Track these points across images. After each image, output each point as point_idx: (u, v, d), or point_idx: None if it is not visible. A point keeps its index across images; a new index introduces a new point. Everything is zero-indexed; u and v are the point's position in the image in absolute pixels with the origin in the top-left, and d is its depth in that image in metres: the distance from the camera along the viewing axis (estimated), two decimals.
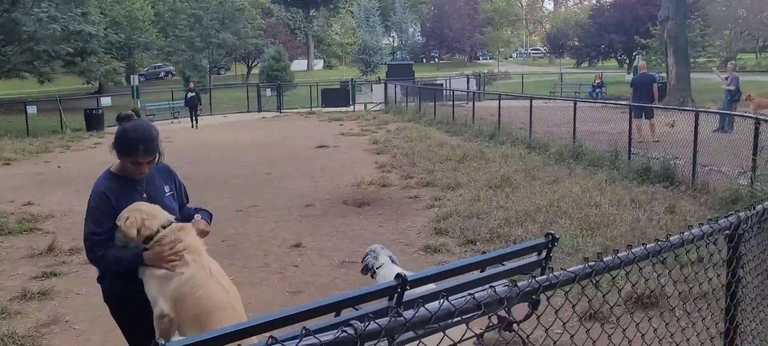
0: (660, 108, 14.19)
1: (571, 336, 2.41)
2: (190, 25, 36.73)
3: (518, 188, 10.11)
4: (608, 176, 10.72)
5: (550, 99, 17.65)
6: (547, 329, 3.95)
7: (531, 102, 15.88)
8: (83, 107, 25.38)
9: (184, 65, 39.12)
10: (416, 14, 75.76)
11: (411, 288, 3.46)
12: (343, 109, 29.64)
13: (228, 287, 2.96)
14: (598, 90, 31.34)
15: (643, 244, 2.57)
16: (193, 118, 25.86)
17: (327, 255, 7.10)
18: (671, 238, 2.63)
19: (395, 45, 74.59)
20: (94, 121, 24.16)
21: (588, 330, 2.47)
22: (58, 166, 15.09)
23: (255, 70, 49.91)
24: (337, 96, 31.64)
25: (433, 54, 77.34)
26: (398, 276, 3.36)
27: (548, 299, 2.35)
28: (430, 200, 9.81)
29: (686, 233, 2.64)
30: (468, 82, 33.69)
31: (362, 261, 4.36)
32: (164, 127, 24.84)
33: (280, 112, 30.60)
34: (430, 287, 3.88)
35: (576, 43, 58.06)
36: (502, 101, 18.65)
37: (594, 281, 2.41)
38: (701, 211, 8.21)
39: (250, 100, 32.16)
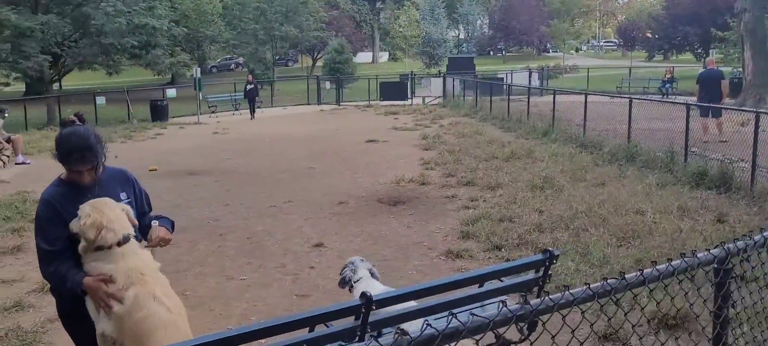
0: (719, 107, 13.28)
1: None
2: (255, 17, 37.35)
3: (561, 191, 9.67)
4: (660, 180, 10.11)
5: (607, 94, 16.89)
6: None
7: (586, 98, 15.24)
8: (150, 98, 26.25)
9: (249, 58, 39.88)
10: (484, 6, 74.58)
11: (378, 308, 3.27)
12: (401, 102, 29.44)
13: (171, 306, 2.84)
14: (668, 85, 29.89)
15: (639, 270, 2.30)
16: (252, 109, 26.32)
17: (346, 257, 6.87)
18: (645, 271, 2.34)
19: (461, 37, 73.78)
20: (159, 112, 24.90)
21: None
22: (116, 157, 15.49)
23: (320, 63, 50.37)
24: (396, 89, 31.46)
25: (499, 47, 76.00)
26: (363, 295, 3.16)
27: (564, 317, 2.14)
28: (467, 200, 9.52)
29: (661, 266, 2.34)
30: (530, 76, 32.83)
31: (340, 273, 4.17)
32: (225, 119, 25.47)
33: (339, 105, 30.70)
34: (411, 304, 3.66)
35: (649, 35, 55.65)
36: (562, 97, 18.03)
37: (613, 298, 2.20)
38: (754, 221, 7.58)
39: (310, 93, 32.42)
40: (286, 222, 8.63)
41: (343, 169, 12.82)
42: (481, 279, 3.90)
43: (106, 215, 2.96)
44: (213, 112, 27.44)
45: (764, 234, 2.49)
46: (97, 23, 22.73)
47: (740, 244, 2.44)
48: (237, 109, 28.17)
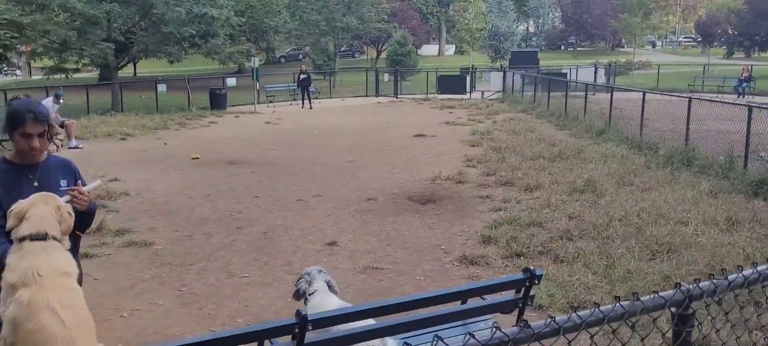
0: None
1: None
2: (317, 8, 37.49)
3: (602, 195, 9.06)
4: (714, 187, 9.35)
5: (667, 93, 15.86)
6: None
7: (643, 96, 14.36)
8: (210, 87, 26.70)
9: (312, 48, 40.14)
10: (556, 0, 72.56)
11: (315, 328, 2.96)
12: (459, 96, 28.86)
13: (68, 319, 2.58)
14: (744, 85, 28.04)
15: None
16: (305, 99, 26.41)
17: (355, 258, 6.66)
18: (603, 308, 1.94)
19: (530, 31, 72.02)
20: (217, 101, 25.29)
21: None
22: (165, 144, 15.81)
23: (384, 55, 50.17)
24: (454, 83, 30.86)
25: (570, 41, 73.74)
26: (297, 314, 2.86)
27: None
28: (500, 201, 9.05)
29: (622, 304, 1.94)
30: (595, 73, 31.52)
31: (296, 285, 3.88)
32: (280, 109, 25.62)
33: (396, 98, 30.40)
34: (369, 322, 3.33)
35: (729, 31, 52.54)
36: (625, 94, 17.12)
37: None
38: None
39: (369, 85, 32.26)
40: (308, 217, 8.42)
41: (383, 164, 12.53)
42: (454, 297, 3.55)
43: (34, 209, 2.80)
44: (270, 101, 27.68)
45: (730, 277, 2.04)
46: (158, 12, 23.23)
47: (705, 285, 2.00)
48: (294, 99, 28.32)
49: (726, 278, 2.07)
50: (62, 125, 14.83)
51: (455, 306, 3.50)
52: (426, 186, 10.34)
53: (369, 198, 9.50)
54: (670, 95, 14.58)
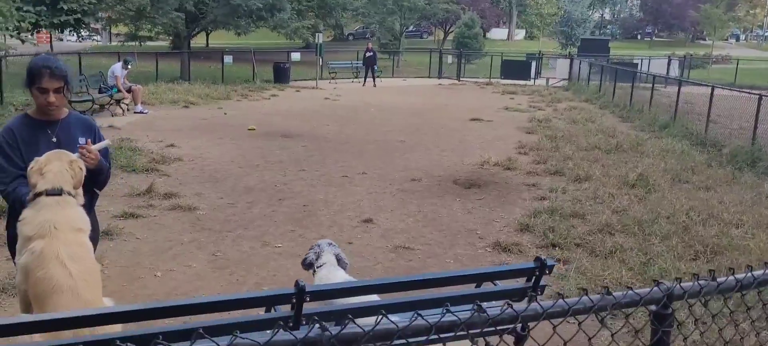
0: None
1: None
2: None
3: (654, 191, 8.76)
4: None
5: (736, 89, 15.07)
6: None
7: (712, 91, 13.71)
8: (275, 60, 27.17)
9: (378, 27, 40.11)
10: None
11: (313, 299, 3.01)
12: (523, 82, 28.33)
13: (75, 271, 2.71)
14: None
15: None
16: (369, 76, 26.52)
17: (388, 237, 6.69)
18: (569, 299, 1.91)
19: (605, 18, 69.76)
20: (281, 74, 25.73)
21: None
22: (225, 113, 16.22)
23: (451, 37, 49.65)
24: (518, 68, 30.30)
25: (648, 31, 70.99)
26: (296, 284, 2.92)
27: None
28: (546, 190, 8.88)
29: (591, 298, 1.90)
30: (669, 64, 30.27)
31: (305, 255, 3.92)
32: (342, 85, 25.84)
33: (458, 80, 30.11)
34: (373, 298, 3.35)
35: None
36: (697, 89, 16.43)
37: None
38: None
39: (432, 66, 32.07)
40: (349, 193, 8.49)
41: (433, 145, 12.47)
42: (464, 280, 3.53)
43: (50, 165, 2.96)
44: (332, 78, 27.92)
45: (719, 279, 1.95)
46: None
47: (687, 285, 1.93)
48: (356, 77, 28.47)
49: (714, 279, 1.99)
50: (129, 90, 15.42)
51: (463, 289, 3.48)
52: (473, 170, 10.24)
53: (413, 178, 9.49)
54: (740, 91, 13.83)
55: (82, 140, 3.27)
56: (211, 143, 11.77)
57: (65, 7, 24.19)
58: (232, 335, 1.30)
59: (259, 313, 3.55)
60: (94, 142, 3.30)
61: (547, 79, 28.84)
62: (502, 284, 3.66)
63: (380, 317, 1.69)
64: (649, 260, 5.83)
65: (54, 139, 3.22)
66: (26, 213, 2.85)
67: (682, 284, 1.92)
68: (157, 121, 14.33)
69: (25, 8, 19.86)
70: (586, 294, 1.90)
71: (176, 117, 15.18)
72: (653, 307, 1.93)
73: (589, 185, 9.08)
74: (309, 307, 2.97)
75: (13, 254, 3.32)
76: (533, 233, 6.86)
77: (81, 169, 3.08)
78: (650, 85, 18.80)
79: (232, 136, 12.63)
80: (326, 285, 3.28)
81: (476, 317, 1.82)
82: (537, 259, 3.44)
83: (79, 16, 25.30)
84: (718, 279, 1.99)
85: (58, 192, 2.90)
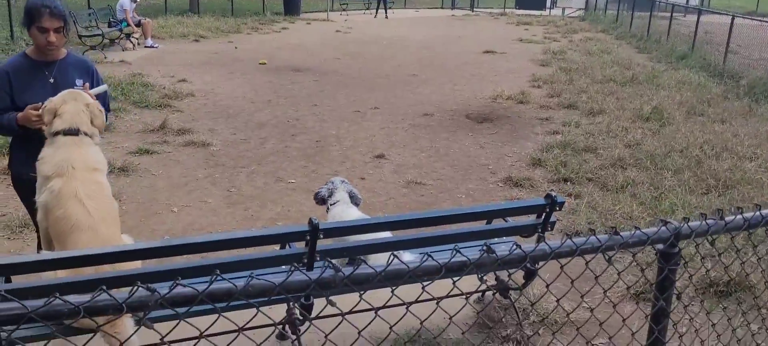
0: None
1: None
2: None
3: (667, 124, 8.69)
4: None
5: (757, 18, 14.67)
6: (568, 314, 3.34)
7: (732, 20, 13.39)
8: None
9: None
10: None
11: (327, 237, 3.06)
12: (538, 13, 27.76)
13: (93, 209, 2.76)
14: None
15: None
16: (380, 8, 26.06)
17: (400, 172, 6.73)
18: (576, 239, 1.93)
19: None
20: (291, 6, 25.31)
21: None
22: (235, 47, 16.09)
23: None
24: None
25: None
26: (309, 222, 2.97)
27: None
28: (559, 124, 8.84)
29: (599, 238, 1.92)
30: None
31: (318, 190, 3.97)
32: (353, 17, 25.44)
33: (472, 11, 29.56)
34: (386, 235, 3.40)
35: None
36: (718, 18, 16.06)
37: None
38: None
39: None
40: (362, 129, 8.50)
41: (446, 79, 12.36)
42: (474, 217, 3.57)
43: (66, 106, 2.99)
44: (344, 9, 27.49)
45: (727, 218, 1.96)
46: None
47: (695, 225, 1.95)
48: (368, 8, 28.00)
49: (721, 218, 2.00)
50: (139, 24, 15.29)
51: (474, 226, 3.53)
52: (485, 104, 10.18)
53: (425, 113, 9.47)
54: (761, 20, 13.50)
55: (79, 82, 3.30)
56: (222, 78, 11.74)
57: None
58: (248, 275, 1.34)
59: (274, 249, 3.64)
60: (91, 85, 3.32)
61: (563, 10, 28.24)
62: (513, 220, 3.70)
63: (391, 257, 1.72)
64: (661, 195, 5.85)
65: (51, 80, 3.25)
66: (44, 152, 2.91)
67: (689, 223, 1.94)
68: (167, 55, 14.26)
69: None
70: (594, 234, 1.92)
71: (187, 51, 15.09)
72: (660, 246, 1.95)
73: (603, 119, 9.03)
74: (323, 243, 3.04)
75: (19, 192, 3.43)
76: (545, 167, 6.87)
77: (101, 111, 3.11)
78: (669, 14, 18.38)
79: (243, 71, 12.57)
80: (339, 222, 3.34)
81: (485, 257, 1.86)
82: (547, 196, 3.47)
83: None
84: (727, 218, 2.00)
85: (74, 132, 2.93)
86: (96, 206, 2.77)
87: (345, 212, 3.66)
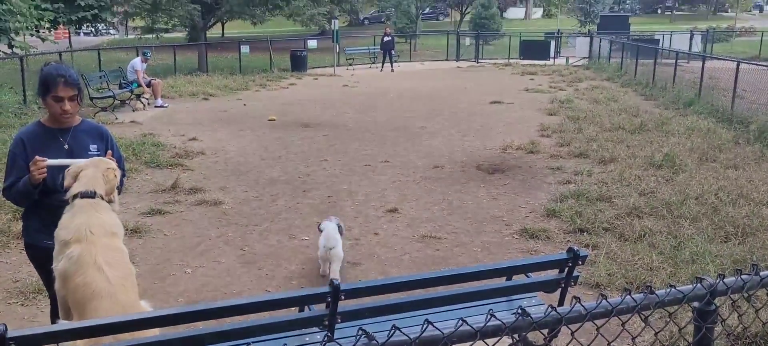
0: None
1: None
2: None
3: (680, 171, 8.64)
4: None
5: (763, 64, 14.72)
6: None
7: (737, 66, 13.46)
8: (291, 48, 27.13)
9: (394, 10, 39.87)
10: None
11: (348, 298, 3.00)
12: (542, 62, 28.03)
13: (112, 276, 2.73)
14: None
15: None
16: (386, 61, 26.39)
17: (414, 226, 6.68)
18: (612, 300, 1.87)
19: None
20: (298, 62, 25.69)
21: None
22: (244, 105, 16.26)
23: (468, 18, 49.21)
24: (537, 48, 29.97)
25: (668, 5, 69.75)
26: (331, 283, 2.92)
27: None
28: (571, 174, 8.80)
29: (634, 297, 1.86)
30: (691, 39, 29.73)
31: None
32: (360, 72, 25.75)
33: (477, 62, 29.88)
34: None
35: None
36: (723, 64, 16.14)
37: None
38: None
39: (450, 49, 31.84)
40: (373, 183, 8.48)
41: (455, 130, 12.41)
42: (497, 274, 3.50)
43: (86, 171, 3.01)
44: (350, 64, 27.85)
45: (762, 273, 1.90)
46: None
47: (730, 280, 1.89)
48: (374, 62, 28.37)
49: (757, 273, 1.94)
50: (149, 84, 15.51)
51: (496, 282, 3.46)
52: (496, 155, 10.18)
53: (436, 165, 9.46)
54: (766, 66, 13.56)
55: (93, 148, 3.32)
56: (232, 135, 11.82)
57: (82, 3, 24.36)
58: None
59: (292, 312, 3.57)
60: (105, 149, 3.36)
61: (567, 58, 28.51)
62: (535, 276, 3.63)
63: (425, 325, 1.68)
64: (680, 244, 5.76)
65: (65, 147, 3.26)
66: (63, 218, 2.89)
67: (725, 280, 1.88)
68: (177, 114, 14.41)
69: (43, 6, 20.02)
70: (629, 294, 1.86)
71: (196, 110, 15.25)
72: (696, 303, 1.89)
73: (615, 167, 8.98)
74: (344, 305, 2.97)
75: (33, 261, 3.40)
76: (560, 218, 6.81)
77: (115, 176, 3.11)
78: (673, 61, 18.50)
79: (253, 128, 12.66)
80: (361, 283, 3.26)
81: (520, 321, 1.80)
82: (569, 249, 3.40)
83: (96, 11, 25.48)
84: (761, 273, 1.94)
85: (91, 194, 2.92)
86: (115, 272, 2.74)
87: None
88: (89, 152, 3.27)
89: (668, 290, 1.89)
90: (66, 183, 3.00)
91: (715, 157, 9.56)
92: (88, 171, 3.01)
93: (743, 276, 1.97)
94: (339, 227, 5.38)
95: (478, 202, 7.60)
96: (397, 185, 8.40)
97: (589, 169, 8.90)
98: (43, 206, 3.20)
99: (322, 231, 5.34)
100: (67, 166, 3.08)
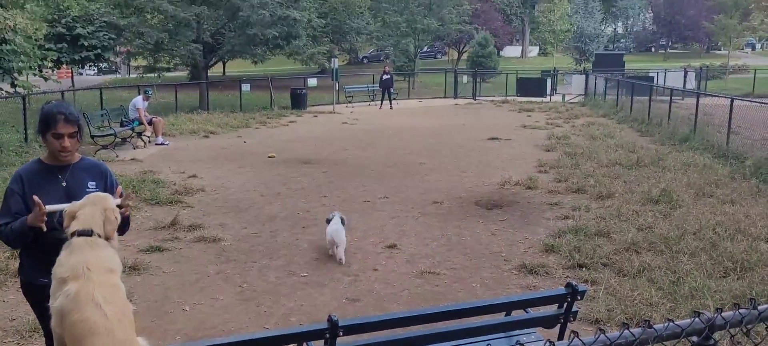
0: None
1: None
2: (399, 10, 37.70)
3: (677, 206, 8.68)
4: None
5: (756, 100, 14.90)
6: None
7: (731, 103, 13.61)
8: (292, 87, 27.39)
9: (393, 49, 40.34)
10: (646, 0, 69.60)
11: (346, 334, 3.02)
12: (539, 99, 28.29)
13: (110, 312, 2.73)
14: None
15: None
16: (385, 99, 26.61)
17: (414, 262, 6.69)
18: (610, 334, 1.90)
19: (619, 32, 69.60)
20: (298, 100, 25.89)
21: None
22: (244, 142, 16.36)
23: (465, 56, 49.79)
24: (534, 86, 30.26)
25: (662, 43, 70.65)
26: (329, 320, 2.94)
27: None
28: (569, 209, 8.84)
29: (632, 331, 1.88)
30: (685, 77, 30.05)
31: None
32: (359, 109, 25.94)
33: (475, 100, 30.14)
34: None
35: None
36: (717, 100, 16.32)
37: None
38: None
39: (448, 86, 32.12)
40: (372, 219, 8.52)
41: (453, 167, 12.48)
42: (496, 309, 3.52)
43: (84, 209, 3.02)
44: (349, 102, 28.08)
45: (761, 307, 1.93)
46: (244, 15, 24.05)
47: (728, 315, 1.91)
48: (373, 100, 28.62)
49: (755, 308, 1.97)
50: (150, 122, 15.62)
51: (496, 318, 3.48)
52: (494, 191, 10.23)
53: (435, 201, 9.50)
54: (761, 102, 13.71)
55: (91, 185, 3.34)
56: (232, 172, 11.88)
57: (86, 44, 24.66)
58: None
59: None
60: (105, 186, 3.38)
61: (563, 96, 28.78)
62: (534, 311, 3.65)
63: None
64: (678, 279, 5.78)
65: (64, 184, 3.28)
66: (61, 256, 2.90)
67: (723, 314, 1.90)
68: (178, 152, 14.49)
69: (47, 46, 20.29)
70: (628, 328, 1.89)
71: (197, 147, 15.34)
72: (695, 338, 1.91)
73: (612, 203, 9.03)
74: (342, 341, 2.99)
75: (29, 299, 3.42)
76: (559, 253, 6.83)
77: (116, 217, 3.11)
78: (668, 98, 18.69)
79: (253, 164, 12.73)
80: (360, 319, 3.28)
81: None
82: (568, 285, 3.43)
83: (99, 51, 25.78)
84: (760, 307, 1.96)
85: (88, 233, 2.94)
86: (113, 309, 2.74)
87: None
88: (87, 189, 3.28)
89: (666, 324, 1.91)
90: (65, 223, 3.01)
91: (712, 192, 9.61)
92: (86, 210, 3.02)
93: (741, 310, 2.00)
94: (342, 219, 6.88)
95: (477, 237, 7.63)
96: (396, 220, 8.43)
97: (587, 205, 8.95)
98: (39, 244, 3.19)
99: (329, 222, 6.87)
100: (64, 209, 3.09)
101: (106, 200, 3.15)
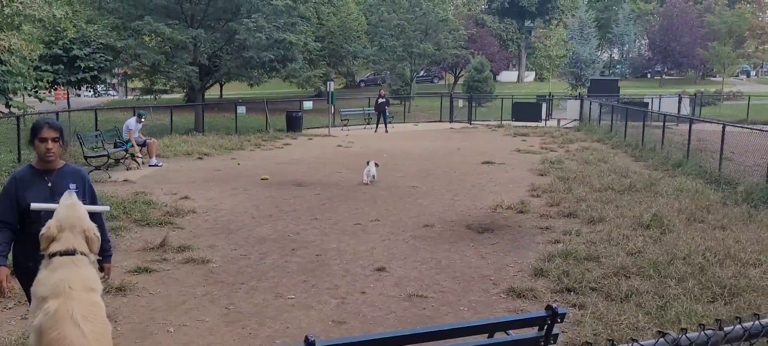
0: None
1: None
2: (395, 34, 38.00)
3: (668, 232, 8.68)
4: None
5: (747, 126, 15.00)
6: None
7: (723, 129, 13.68)
8: (287, 109, 27.48)
9: (389, 73, 40.59)
10: (642, 26, 70.23)
11: None
12: (534, 124, 28.41)
13: (88, 331, 2.73)
14: None
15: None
16: (380, 122, 26.69)
17: (402, 285, 6.66)
18: None
19: (614, 58, 70.09)
20: (293, 123, 25.95)
21: None
22: (238, 164, 16.37)
23: (461, 80, 50.07)
24: (529, 110, 30.41)
25: (657, 69, 71.15)
26: (306, 340, 2.92)
27: None
28: (560, 233, 8.83)
29: None
30: (680, 103, 30.24)
31: None
32: (355, 132, 26.02)
33: (470, 124, 30.26)
34: None
35: None
36: (710, 126, 16.41)
37: None
38: None
39: (444, 110, 32.27)
40: (362, 241, 8.49)
41: (446, 190, 12.49)
42: (477, 331, 3.50)
43: (65, 233, 3.03)
44: (345, 125, 28.16)
45: (727, 328, 1.93)
46: (241, 38, 24.21)
47: (693, 336, 1.91)
48: (368, 123, 28.71)
49: (721, 328, 1.96)
50: (144, 144, 15.63)
51: (479, 339, 3.45)
52: (486, 215, 10.22)
53: (426, 225, 9.49)
54: (751, 128, 13.78)
55: (72, 186, 3.73)
56: (224, 194, 11.87)
57: (82, 65, 24.76)
58: None
59: None
60: (83, 190, 3.76)
61: (558, 120, 28.91)
62: (515, 333, 3.63)
63: None
64: (666, 304, 5.76)
65: (49, 185, 3.74)
66: (40, 275, 2.90)
67: (688, 335, 1.90)
68: (171, 173, 14.48)
69: (43, 67, 20.36)
70: None
71: (190, 169, 15.34)
72: None
73: (603, 227, 9.02)
74: None
75: (20, 281, 3.77)
76: (548, 277, 6.81)
77: (96, 237, 3.16)
78: (661, 123, 18.79)
79: (246, 187, 12.72)
80: (340, 339, 3.26)
81: None
82: (548, 307, 3.42)
83: (95, 73, 25.88)
84: (726, 328, 1.96)
85: (71, 252, 2.95)
86: (91, 327, 2.73)
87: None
88: (69, 188, 3.64)
89: (630, 344, 1.91)
90: (42, 246, 3.10)
91: (703, 217, 9.62)
92: (65, 234, 3.04)
93: (707, 331, 2.00)
94: (375, 165, 10.73)
95: (467, 261, 7.61)
96: (387, 243, 8.41)
97: (578, 229, 8.94)
98: (26, 235, 3.64)
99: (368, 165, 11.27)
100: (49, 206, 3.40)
101: (83, 222, 3.15)
